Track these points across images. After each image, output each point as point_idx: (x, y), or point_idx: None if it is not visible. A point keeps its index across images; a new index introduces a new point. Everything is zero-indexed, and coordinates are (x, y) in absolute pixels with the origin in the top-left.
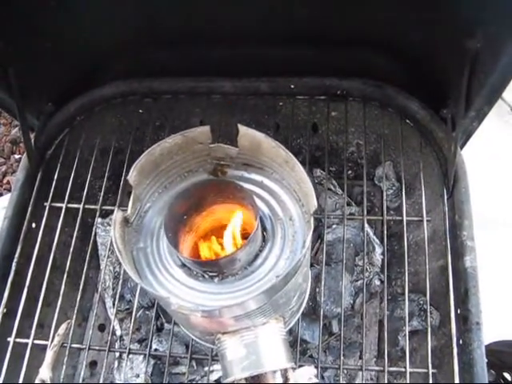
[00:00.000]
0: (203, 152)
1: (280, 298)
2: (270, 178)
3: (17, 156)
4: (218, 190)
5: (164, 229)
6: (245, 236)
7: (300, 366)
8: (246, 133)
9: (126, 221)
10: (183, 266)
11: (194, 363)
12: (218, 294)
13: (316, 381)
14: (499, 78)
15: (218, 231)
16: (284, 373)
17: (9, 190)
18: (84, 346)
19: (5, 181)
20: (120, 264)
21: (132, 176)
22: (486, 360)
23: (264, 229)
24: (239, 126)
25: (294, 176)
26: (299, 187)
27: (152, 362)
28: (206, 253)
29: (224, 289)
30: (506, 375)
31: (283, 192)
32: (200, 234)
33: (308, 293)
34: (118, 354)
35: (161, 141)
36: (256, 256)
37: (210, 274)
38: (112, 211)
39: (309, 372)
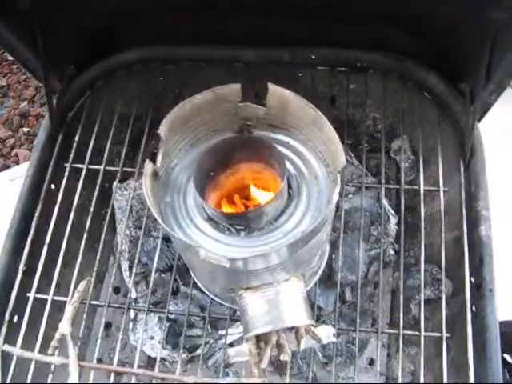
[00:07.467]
0: (231, 111)
1: (304, 253)
2: (296, 139)
3: (25, 129)
4: (246, 147)
5: (194, 182)
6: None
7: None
8: (275, 91)
9: (155, 174)
10: (210, 219)
11: (208, 326)
12: (243, 248)
13: (334, 339)
14: None
15: (242, 191)
16: (301, 331)
17: (17, 163)
18: (103, 303)
19: (13, 153)
20: (136, 228)
21: (163, 130)
22: None
23: (290, 187)
24: (269, 84)
25: (321, 136)
26: (325, 147)
27: (167, 324)
28: (229, 211)
29: (250, 243)
30: (507, 357)
31: (308, 152)
32: (223, 193)
33: (327, 255)
34: (132, 316)
35: (191, 97)
36: (282, 212)
37: (237, 227)
38: (132, 174)
39: (328, 331)
